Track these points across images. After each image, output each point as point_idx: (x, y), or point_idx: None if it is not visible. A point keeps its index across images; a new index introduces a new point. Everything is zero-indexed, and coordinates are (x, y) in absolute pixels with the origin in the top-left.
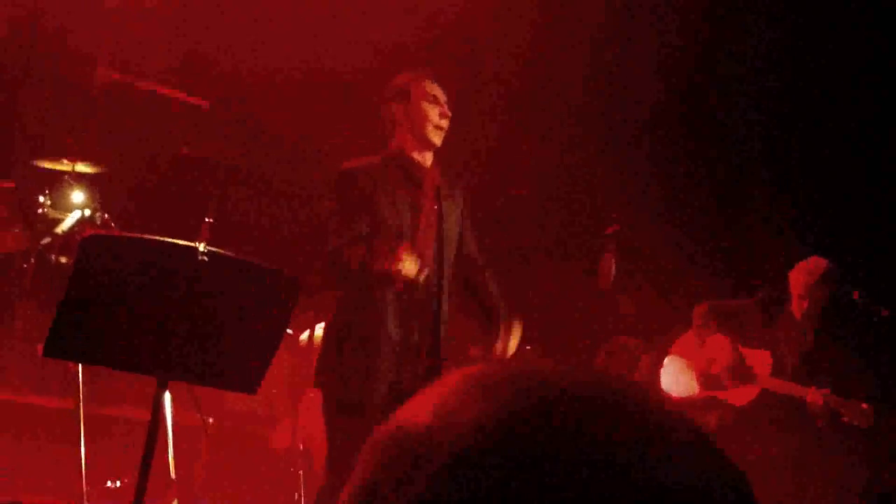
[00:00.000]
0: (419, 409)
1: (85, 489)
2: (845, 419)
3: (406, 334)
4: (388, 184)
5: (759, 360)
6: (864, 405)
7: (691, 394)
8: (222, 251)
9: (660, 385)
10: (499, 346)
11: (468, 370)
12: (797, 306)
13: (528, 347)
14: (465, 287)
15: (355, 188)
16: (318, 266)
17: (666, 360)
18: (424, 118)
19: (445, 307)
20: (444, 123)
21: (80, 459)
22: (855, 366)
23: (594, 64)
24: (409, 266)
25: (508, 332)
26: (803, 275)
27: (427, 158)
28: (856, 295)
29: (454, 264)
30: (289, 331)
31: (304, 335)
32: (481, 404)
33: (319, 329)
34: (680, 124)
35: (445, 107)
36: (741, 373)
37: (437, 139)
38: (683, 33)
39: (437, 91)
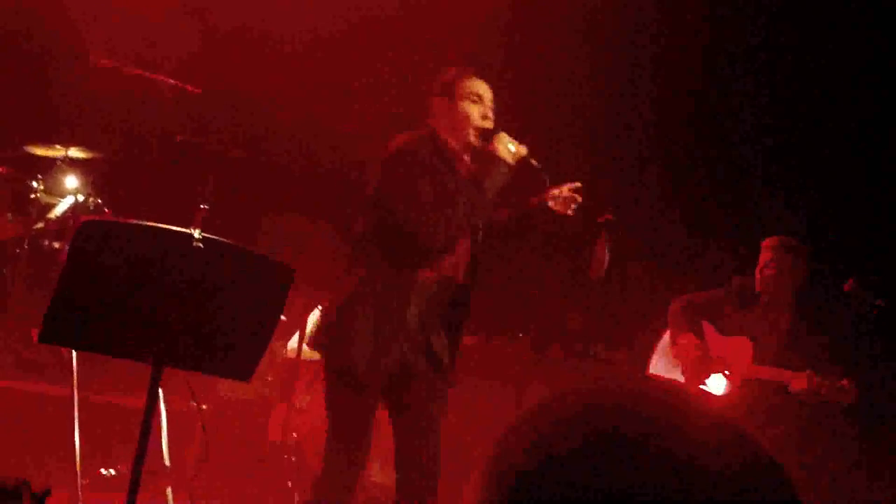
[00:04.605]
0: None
1: (79, 476)
2: (830, 399)
3: (424, 323)
4: (430, 164)
5: (739, 348)
6: (845, 381)
7: None
8: (217, 238)
9: None
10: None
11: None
12: (762, 286)
13: (520, 335)
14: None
15: (416, 160)
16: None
17: (651, 362)
18: (466, 117)
19: (469, 304)
20: (487, 124)
21: (75, 446)
22: (836, 347)
23: (593, 55)
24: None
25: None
26: (762, 251)
27: (462, 152)
28: (848, 284)
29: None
30: (282, 318)
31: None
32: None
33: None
34: (679, 117)
35: (489, 108)
36: (716, 365)
37: (475, 140)
38: (680, 26)
39: (481, 89)
